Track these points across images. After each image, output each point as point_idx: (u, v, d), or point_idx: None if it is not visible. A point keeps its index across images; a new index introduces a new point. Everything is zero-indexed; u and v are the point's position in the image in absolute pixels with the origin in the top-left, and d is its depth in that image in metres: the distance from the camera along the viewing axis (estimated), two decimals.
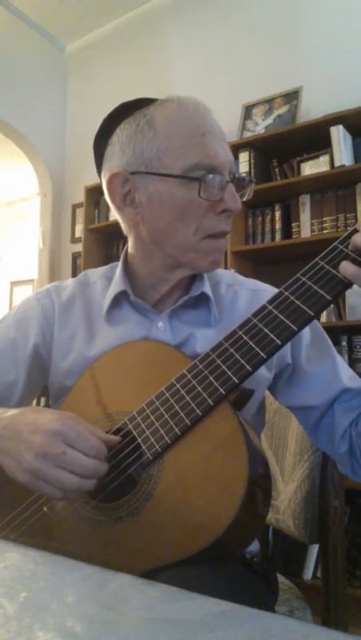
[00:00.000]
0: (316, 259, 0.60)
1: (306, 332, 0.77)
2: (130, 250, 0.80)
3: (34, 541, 0.60)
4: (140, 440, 0.60)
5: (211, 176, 0.67)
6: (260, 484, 0.56)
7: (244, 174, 0.76)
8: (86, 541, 0.60)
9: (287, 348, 0.76)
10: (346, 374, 0.76)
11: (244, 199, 0.74)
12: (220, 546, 0.53)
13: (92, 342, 0.76)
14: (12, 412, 0.61)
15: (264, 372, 0.74)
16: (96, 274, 0.85)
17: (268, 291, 0.81)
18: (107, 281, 0.82)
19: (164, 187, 0.69)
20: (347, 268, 0.56)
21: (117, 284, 0.78)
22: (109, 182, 0.73)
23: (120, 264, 0.81)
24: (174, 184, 0.68)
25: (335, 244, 0.60)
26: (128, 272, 0.80)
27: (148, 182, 0.70)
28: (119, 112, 0.74)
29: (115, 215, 0.78)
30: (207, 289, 0.76)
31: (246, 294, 0.80)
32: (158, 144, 0.68)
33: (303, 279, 0.60)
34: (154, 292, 0.77)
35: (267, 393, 0.81)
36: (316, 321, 0.78)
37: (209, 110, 0.72)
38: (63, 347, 0.78)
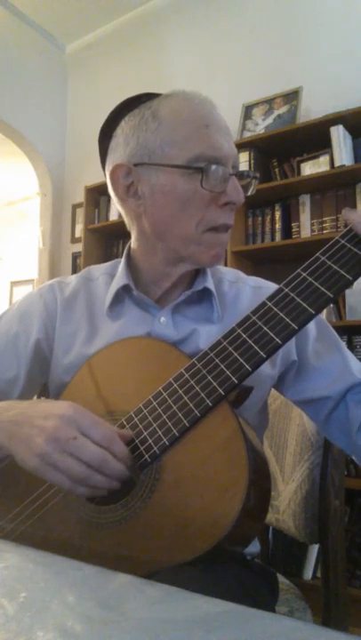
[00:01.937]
0: (318, 254, 0.59)
1: (311, 326, 0.77)
2: (132, 245, 0.80)
3: (33, 542, 0.60)
4: (137, 441, 0.60)
5: (214, 167, 0.67)
6: (260, 485, 0.56)
7: (247, 170, 0.76)
8: (84, 543, 0.59)
9: (292, 345, 0.75)
10: (357, 367, 0.75)
11: (248, 194, 0.74)
12: (220, 548, 0.52)
13: (93, 338, 0.76)
14: (25, 402, 0.62)
15: (268, 370, 0.73)
16: (99, 270, 0.85)
17: (271, 288, 0.80)
18: (109, 277, 0.82)
19: (167, 178, 0.69)
20: None
21: (120, 279, 0.77)
22: (112, 173, 0.73)
23: (123, 259, 0.81)
24: (177, 175, 0.68)
25: (337, 238, 0.59)
26: (131, 267, 0.80)
27: (152, 173, 0.70)
28: (124, 106, 0.74)
29: (118, 208, 0.78)
30: (210, 284, 0.76)
31: (249, 291, 0.80)
32: (162, 135, 0.68)
33: (304, 275, 0.59)
34: (156, 287, 0.77)
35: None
36: (320, 316, 0.78)
37: (214, 105, 0.72)
38: (65, 343, 0.77)
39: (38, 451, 0.53)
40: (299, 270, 0.60)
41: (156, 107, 0.71)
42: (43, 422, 0.55)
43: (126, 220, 0.79)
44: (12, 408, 0.61)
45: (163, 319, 0.74)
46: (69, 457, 0.53)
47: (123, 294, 0.78)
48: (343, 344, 0.78)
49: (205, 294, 0.76)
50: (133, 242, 0.79)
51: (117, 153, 0.73)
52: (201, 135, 0.68)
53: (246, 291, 0.80)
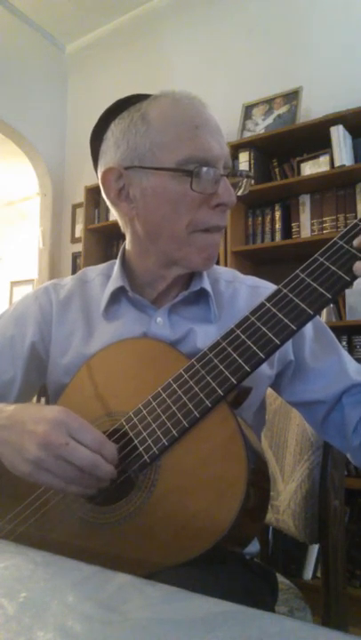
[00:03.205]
0: (316, 255, 0.59)
1: (308, 327, 0.77)
2: (127, 246, 0.80)
3: (33, 542, 0.60)
4: (136, 442, 0.60)
5: (205, 169, 0.66)
6: (259, 486, 0.56)
7: (239, 170, 0.76)
8: (84, 543, 0.59)
9: (289, 345, 0.75)
10: (353, 369, 0.75)
11: (240, 193, 0.73)
12: (220, 548, 0.52)
13: (90, 339, 0.76)
14: (14, 405, 0.62)
15: (265, 370, 0.73)
16: (94, 271, 0.85)
17: (268, 288, 0.81)
18: (105, 278, 0.82)
19: (158, 181, 0.69)
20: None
21: (115, 281, 0.77)
22: (104, 177, 0.73)
23: (118, 261, 0.81)
24: (167, 178, 0.68)
25: (335, 239, 0.59)
26: (126, 268, 0.80)
27: (142, 176, 0.70)
28: (114, 108, 0.74)
29: (112, 211, 0.78)
30: (206, 285, 0.76)
31: (246, 291, 0.80)
32: (152, 138, 0.68)
33: (302, 276, 0.59)
34: (151, 289, 0.77)
35: (267, 392, 0.81)
36: (318, 317, 0.78)
37: (204, 104, 0.72)
38: (61, 344, 0.77)
39: (31, 457, 0.53)
40: (297, 271, 0.59)
41: (145, 109, 0.70)
42: (34, 427, 0.55)
43: (120, 222, 0.79)
44: (0, 411, 0.61)
45: (159, 319, 0.74)
46: (62, 461, 0.53)
47: (119, 295, 0.78)
48: (340, 345, 0.78)
49: (202, 294, 0.76)
50: (128, 244, 0.79)
51: (108, 156, 0.73)
52: (190, 136, 0.67)
53: (243, 290, 0.80)
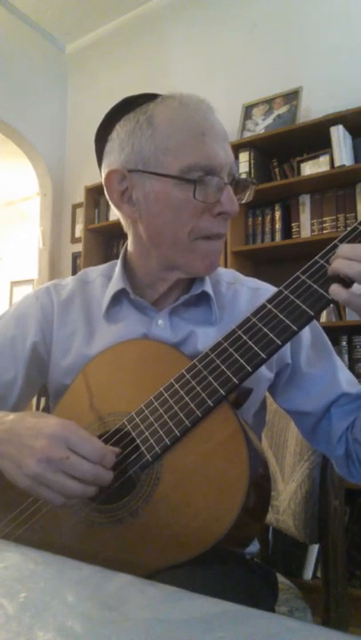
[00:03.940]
0: (316, 257, 0.60)
1: (306, 333, 0.77)
2: (129, 247, 0.80)
3: (33, 541, 0.60)
4: (139, 441, 0.60)
5: (208, 178, 0.66)
6: (260, 486, 0.56)
7: (244, 175, 0.76)
8: (85, 543, 0.60)
9: (287, 348, 0.76)
10: (345, 378, 0.76)
11: (244, 201, 0.73)
12: (220, 548, 0.53)
13: (91, 341, 0.76)
14: (12, 415, 0.61)
15: (265, 372, 0.74)
16: (95, 272, 0.85)
17: (269, 290, 0.81)
18: (106, 279, 0.82)
19: (161, 186, 0.68)
20: (338, 292, 0.56)
21: (117, 282, 0.77)
22: (107, 179, 0.73)
23: (119, 262, 0.80)
24: (171, 184, 0.67)
25: (335, 242, 0.59)
26: (127, 270, 0.80)
27: (146, 180, 0.69)
28: (121, 107, 0.73)
29: (115, 212, 0.78)
30: (208, 287, 0.76)
31: (247, 293, 0.80)
32: (157, 143, 0.68)
33: (303, 278, 0.59)
34: (152, 290, 0.77)
35: (267, 393, 0.81)
36: (315, 322, 0.78)
37: (211, 109, 0.71)
38: (63, 345, 0.77)
39: (29, 472, 0.53)
40: (298, 273, 0.60)
41: (151, 112, 0.70)
42: (32, 442, 0.54)
43: (123, 223, 0.79)
44: None
45: (160, 322, 0.74)
46: (62, 475, 0.53)
47: (120, 297, 0.77)
48: (335, 353, 0.79)
49: (203, 296, 0.76)
50: (130, 245, 0.79)
51: (112, 157, 0.73)
52: (196, 143, 0.67)
53: (244, 292, 0.80)
